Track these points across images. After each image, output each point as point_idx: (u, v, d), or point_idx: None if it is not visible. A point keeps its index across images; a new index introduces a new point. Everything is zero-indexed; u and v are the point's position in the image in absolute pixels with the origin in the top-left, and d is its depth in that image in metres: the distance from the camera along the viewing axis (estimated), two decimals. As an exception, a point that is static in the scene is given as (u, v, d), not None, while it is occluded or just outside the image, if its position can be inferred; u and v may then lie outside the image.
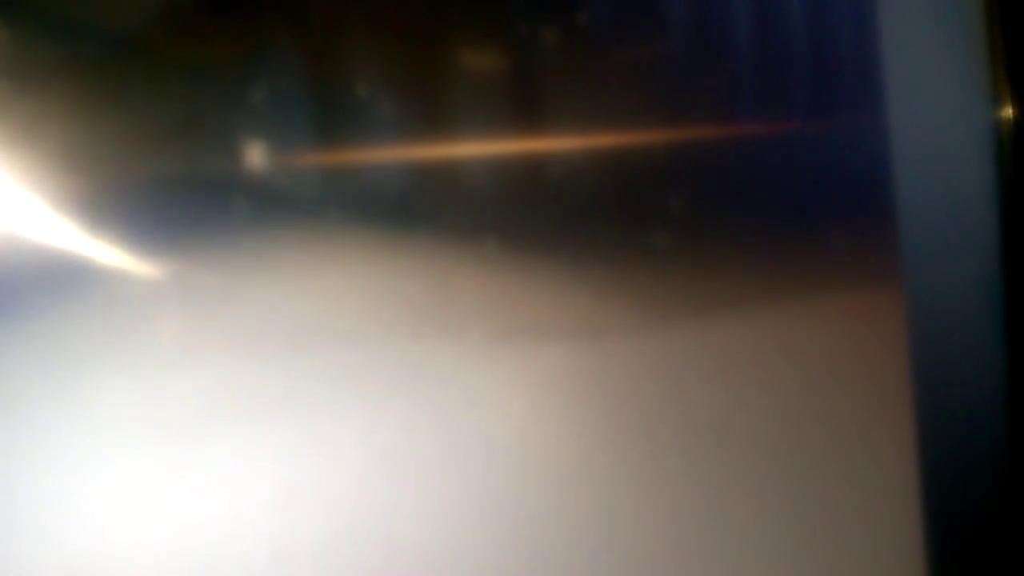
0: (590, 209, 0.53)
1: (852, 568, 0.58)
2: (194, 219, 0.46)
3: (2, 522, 0.43)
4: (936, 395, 0.62)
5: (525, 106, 0.52)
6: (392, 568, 0.49)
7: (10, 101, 0.43)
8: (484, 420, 0.50)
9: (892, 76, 0.60)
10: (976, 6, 0.67)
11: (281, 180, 0.47)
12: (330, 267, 0.48)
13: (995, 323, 0.68)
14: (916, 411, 0.60)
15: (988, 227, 0.68)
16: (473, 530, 0.50)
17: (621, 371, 0.53)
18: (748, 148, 0.57)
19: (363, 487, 0.48)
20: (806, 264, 0.58)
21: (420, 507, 0.49)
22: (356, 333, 0.48)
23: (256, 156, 0.47)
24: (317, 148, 0.48)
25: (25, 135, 0.43)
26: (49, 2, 0.45)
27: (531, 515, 0.51)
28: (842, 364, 0.58)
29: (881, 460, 0.59)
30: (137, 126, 0.45)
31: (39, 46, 0.44)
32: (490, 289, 0.51)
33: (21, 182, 0.43)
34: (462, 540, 0.50)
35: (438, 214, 0.50)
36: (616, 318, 0.53)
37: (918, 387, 0.60)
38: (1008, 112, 0.68)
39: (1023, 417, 0.68)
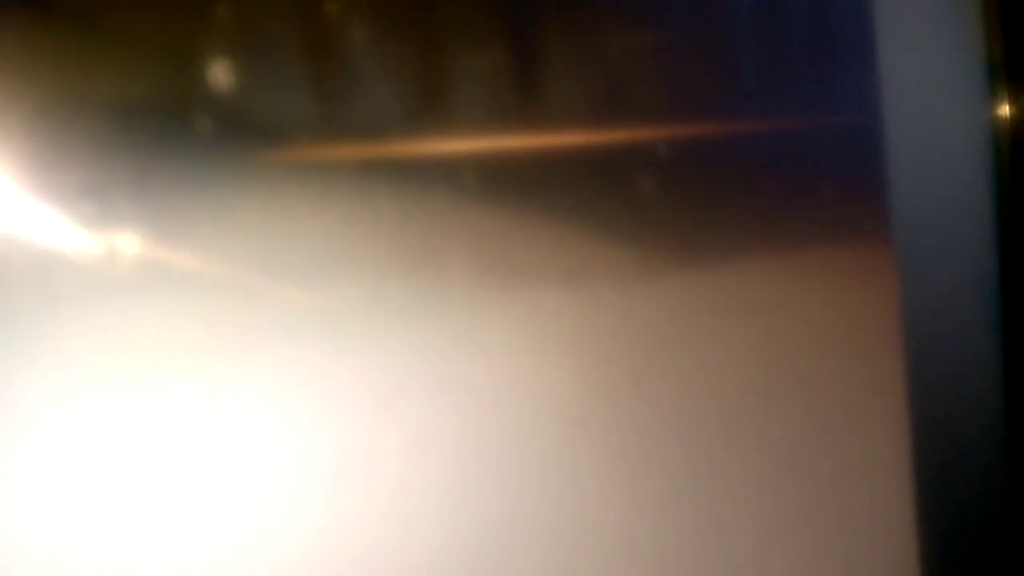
0: (580, 154, 0.53)
1: (844, 532, 0.59)
2: (181, 193, 0.46)
3: (4, 518, 0.44)
4: (931, 388, 0.62)
5: (519, 79, 0.52)
6: (375, 509, 0.49)
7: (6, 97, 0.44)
8: (473, 364, 0.51)
9: (888, 71, 0.61)
10: (973, 3, 0.68)
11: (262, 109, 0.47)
12: (317, 210, 0.48)
13: (991, 316, 0.68)
14: (909, 388, 0.60)
15: (984, 222, 0.68)
16: (459, 474, 0.50)
17: (611, 317, 0.53)
18: (743, 143, 0.58)
19: (349, 427, 0.49)
20: (799, 250, 0.59)
21: (405, 448, 0.49)
22: (343, 275, 0.48)
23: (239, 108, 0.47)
24: (308, 122, 0.48)
25: (20, 130, 0.44)
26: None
27: (518, 460, 0.51)
28: (834, 326, 0.59)
29: (873, 419, 0.59)
30: (124, 111, 0.45)
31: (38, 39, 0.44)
32: (479, 231, 0.51)
33: (14, 176, 0.44)
34: (448, 483, 0.50)
35: (423, 157, 0.50)
36: (606, 264, 0.53)
37: (914, 377, 0.61)
38: (1005, 109, 0.69)
39: (1017, 403, 0.68)
